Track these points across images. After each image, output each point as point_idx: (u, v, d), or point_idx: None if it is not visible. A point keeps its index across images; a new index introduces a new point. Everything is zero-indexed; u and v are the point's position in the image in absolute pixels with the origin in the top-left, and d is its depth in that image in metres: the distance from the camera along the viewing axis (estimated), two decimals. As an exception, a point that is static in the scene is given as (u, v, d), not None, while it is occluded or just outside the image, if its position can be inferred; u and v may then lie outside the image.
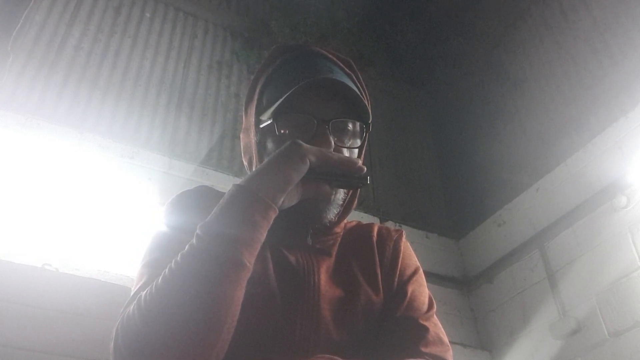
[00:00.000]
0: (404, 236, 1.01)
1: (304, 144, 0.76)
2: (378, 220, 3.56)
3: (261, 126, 0.88)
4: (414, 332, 0.86)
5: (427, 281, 1.07)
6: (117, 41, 3.37)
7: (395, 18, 4.70)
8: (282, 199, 0.74)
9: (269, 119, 0.85)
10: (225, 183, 3.15)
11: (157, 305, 0.67)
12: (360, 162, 0.80)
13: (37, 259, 2.43)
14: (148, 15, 3.59)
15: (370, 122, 0.88)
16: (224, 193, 0.76)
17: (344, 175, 0.79)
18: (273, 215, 0.74)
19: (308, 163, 0.75)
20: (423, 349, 0.83)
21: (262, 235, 0.73)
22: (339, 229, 0.94)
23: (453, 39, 4.42)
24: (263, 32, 3.92)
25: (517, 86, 3.74)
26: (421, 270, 0.99)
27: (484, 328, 3.50)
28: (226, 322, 0.68)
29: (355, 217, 1.15)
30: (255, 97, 0.92)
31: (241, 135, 0.98)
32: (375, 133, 3.96)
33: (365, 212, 3.52)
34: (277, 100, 0.85)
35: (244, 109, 0.97)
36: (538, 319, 3.12)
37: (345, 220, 0.96)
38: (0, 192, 2.51)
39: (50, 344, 2.22)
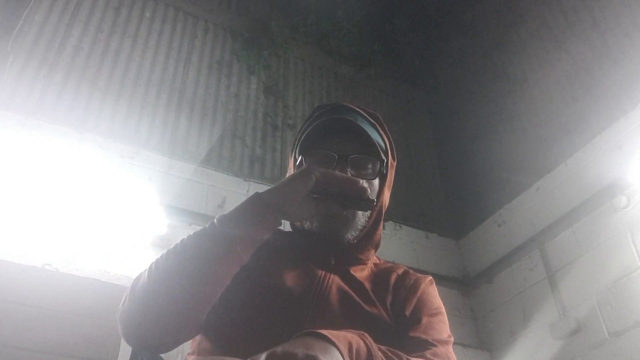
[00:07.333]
0: (429, 280, 1.05)
1: (315, 166, 0.90)
2: (378, 220, 3.56)
3: (297, 164, 1.04)
4: (424, 346, 0.88)
5: (427, 281, 1.07)
6: (117, 41, 3.37)
7: (395, 18, 4.70)
8: (291, 207, 0.87)
9: (299, 155, 1.02)
10: (225, 183, 3.15)
11: (160, 263, 0.85)
12: (361, 182, 0.91)
13: (37, 259, 2.43)
14: (148, 15, 3.59)
15: (386, 160, 1.02)
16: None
17: (351, 197, 0.90)
18: (277, 218, 0.88)
19: (314, 178, 0.87)
20: (429, 356, 0.85)
21: (261, 233, 0.88)
22: (363, 257, 1.02)
23: (453, 39, 4.42)
24: (263, 32, 3.91)
25: (517, 86, 3.74)
26: (444, 311, 1.00)
27: (484, 328, 3.50)
28: (199, 292, 0.84)
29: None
30: (296, 143, 1.08)
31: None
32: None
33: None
34: (308, 141, 1.01)
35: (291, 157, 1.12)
36: (538, 319, 3.12)
37: (373, 254, 1.06)
38: (1, 192, 2.51)
39: (50, 344, 2.22)
